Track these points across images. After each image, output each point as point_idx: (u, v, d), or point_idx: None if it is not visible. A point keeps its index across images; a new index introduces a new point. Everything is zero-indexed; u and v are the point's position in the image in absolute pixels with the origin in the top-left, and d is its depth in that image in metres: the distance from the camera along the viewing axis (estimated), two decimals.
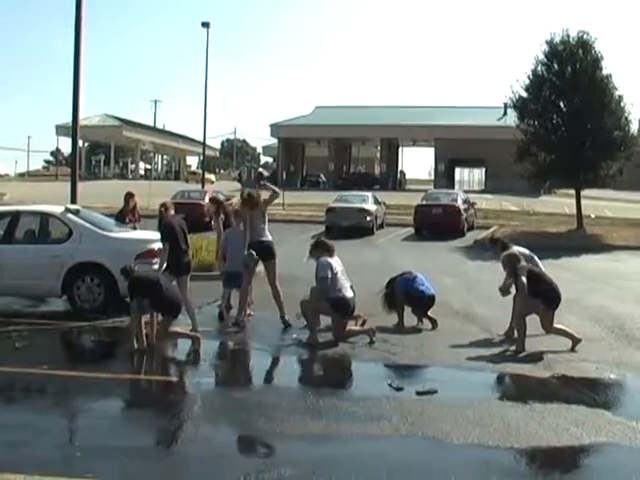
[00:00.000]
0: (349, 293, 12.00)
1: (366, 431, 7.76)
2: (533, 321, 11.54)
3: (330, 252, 12.33)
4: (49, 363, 10.18)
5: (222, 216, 15.03)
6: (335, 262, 12.15)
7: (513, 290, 11.98)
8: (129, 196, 17.46)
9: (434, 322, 12.91)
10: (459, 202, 33.99)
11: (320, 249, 12.46)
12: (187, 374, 10.55)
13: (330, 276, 11.87)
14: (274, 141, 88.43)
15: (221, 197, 37.45)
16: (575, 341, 11.47)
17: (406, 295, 12.99)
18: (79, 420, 8.42)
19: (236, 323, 12.83)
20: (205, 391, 9.43)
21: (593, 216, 38.87)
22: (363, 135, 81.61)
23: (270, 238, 13.13)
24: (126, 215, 16.78)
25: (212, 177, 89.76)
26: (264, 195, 13.54)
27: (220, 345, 12.17)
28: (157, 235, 13.28)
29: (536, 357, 10.96)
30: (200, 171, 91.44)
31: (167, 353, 11.47)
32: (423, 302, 13.04)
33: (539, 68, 33.47)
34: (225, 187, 52.68)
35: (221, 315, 13.41)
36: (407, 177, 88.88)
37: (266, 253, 12.98)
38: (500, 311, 12.70)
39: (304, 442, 7.51)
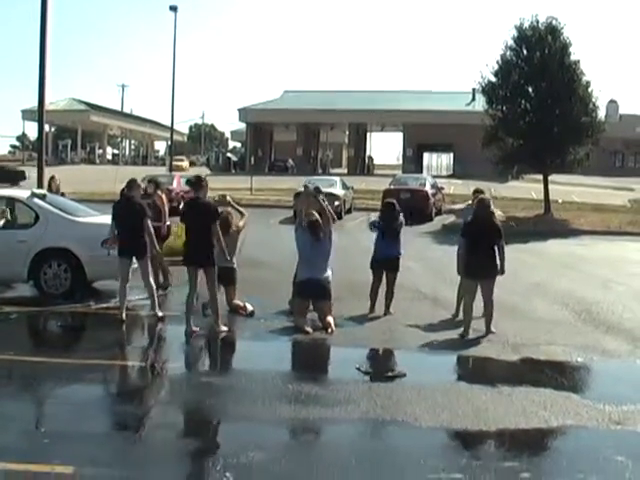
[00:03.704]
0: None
1: (335, 415, 7.75)
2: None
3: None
4: (15, 349, 10.06)
5: (163, 195, 15.40)
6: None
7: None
8: (51, 179, 17.73)
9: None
10: (427, 187, 34.05)
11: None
12: (155, 359, 10.45)
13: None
14: (242, 126, 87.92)
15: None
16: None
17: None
18: (46, 406, 8.36)
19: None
20: (174, 376, 9.38)
21: (560, 201, 39.12)
22: (331, 120, 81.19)
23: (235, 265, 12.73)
24: None
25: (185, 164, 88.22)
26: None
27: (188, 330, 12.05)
28: None
29: (504, 340, 11.03)
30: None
31: (135, 338, 11.41)
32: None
33: (508, 54, 33.58)
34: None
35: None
36: (375, 162, 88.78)
37: (230, 278, 12.54)
38: None
39: (273, 426, 7.50)
